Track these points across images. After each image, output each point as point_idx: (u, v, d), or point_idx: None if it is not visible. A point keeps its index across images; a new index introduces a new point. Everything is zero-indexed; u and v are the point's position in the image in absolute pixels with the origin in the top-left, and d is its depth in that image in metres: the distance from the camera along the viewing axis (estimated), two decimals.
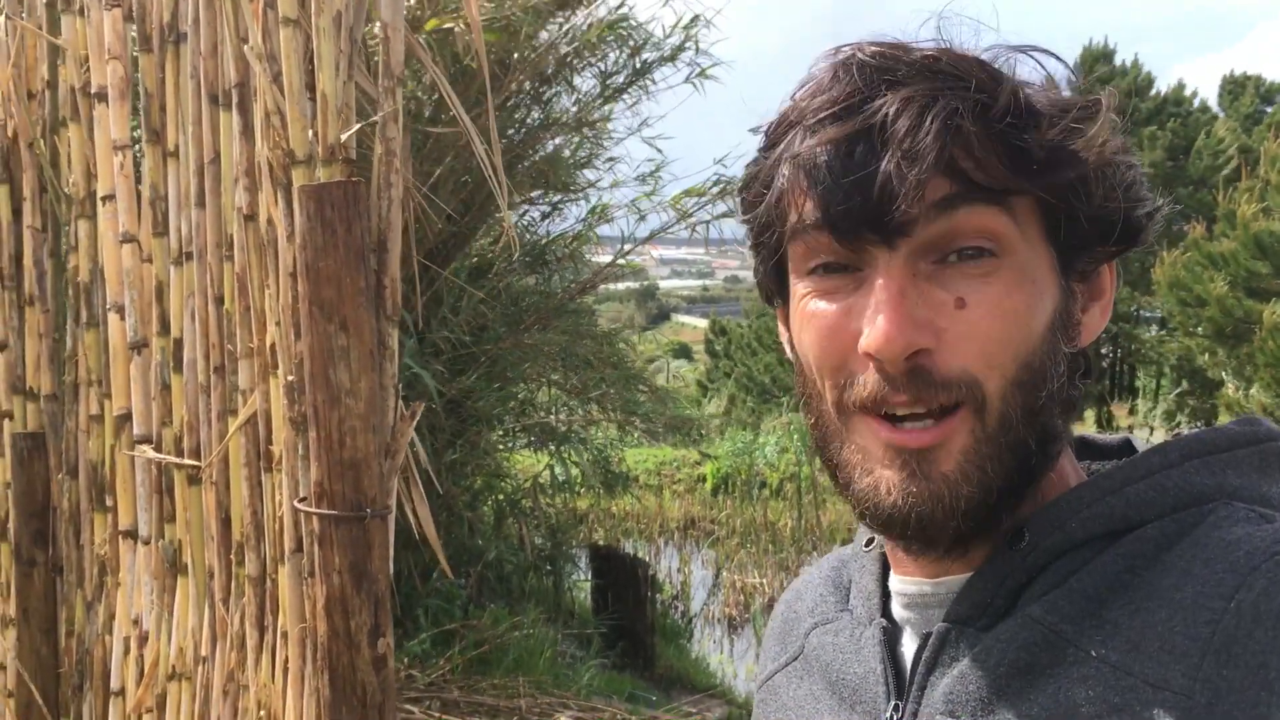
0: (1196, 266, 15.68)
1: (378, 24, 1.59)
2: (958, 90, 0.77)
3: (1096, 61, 27.45)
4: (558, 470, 8.70)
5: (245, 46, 1.73)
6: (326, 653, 1.51)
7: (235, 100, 1.83)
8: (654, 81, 7.19)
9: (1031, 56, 0.83)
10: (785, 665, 1.00)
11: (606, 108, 7.19)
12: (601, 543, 11.42)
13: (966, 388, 0.77)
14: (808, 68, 0.85)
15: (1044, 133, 0.77)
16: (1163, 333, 22.67)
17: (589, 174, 7.81)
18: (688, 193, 7.40)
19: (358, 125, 1.59)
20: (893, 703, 0.85)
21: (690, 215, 7.27)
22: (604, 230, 8.22)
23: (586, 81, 7.11)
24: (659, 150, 7.64)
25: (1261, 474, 0.81)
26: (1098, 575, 0.77)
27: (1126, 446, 0.92)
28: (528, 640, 6.66)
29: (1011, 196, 0.78)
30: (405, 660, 5.99)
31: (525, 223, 8.39)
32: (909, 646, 0.87)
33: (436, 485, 6.79)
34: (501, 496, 8.43)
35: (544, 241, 8.30)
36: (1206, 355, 15.86)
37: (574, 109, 7.18)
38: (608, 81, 7.01)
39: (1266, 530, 0.74)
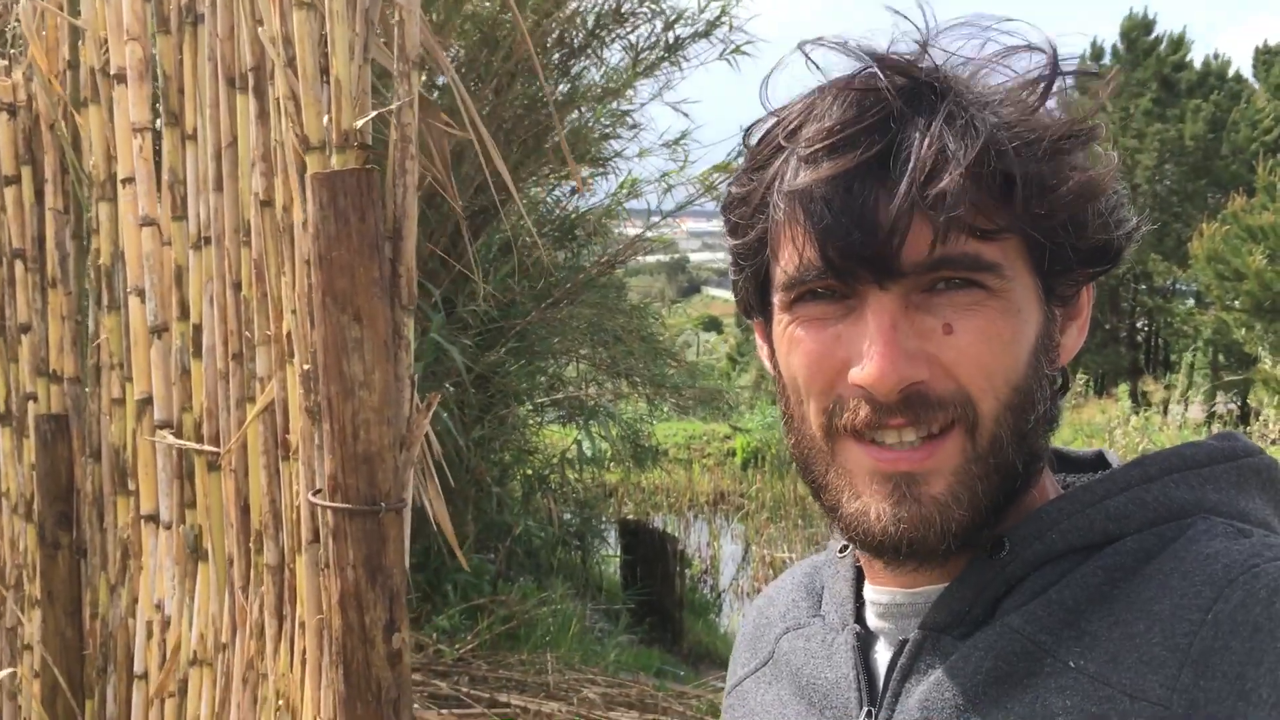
0: (1235, 239, 15.46)
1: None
2: (956, 124, 0.76)
3: (1138, 31, 27.03)
4: (585, 445, 8.69)
5: (260, 29, 1.70)
6: (341, 648, 1.49)
7: (252, 84, 1.80)
8: (686, 59, 7.12)
9: (1009, 67, 0.81)
10: (755, 671, 1.00)
11: (637, 82, 7.13)
12: (631, 517, 11.42)
13: (960, 407, 0.78)
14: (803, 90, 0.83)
15: (1042, 167, 0.77)
16: (1195, 307, 22.41)
17: (615, 144, 7.75)
18: (716, 169, 7.34)
19: (375, 112, 1.56)
20: (865, 709, 0.85)
21: (718, 191, 7.22)
22: (633, 204, 8.17)
23: (615, 54, 7.06)
24: (685, 115, 7.56)
25: (1239, 489, 0.82)
26: (1077, 587, 0.78)
27: (1100, 460, 0.93)
28: (556, 615, 6.68)
29: (1004, 233, 0.77)
30: (434, 635, 6.02)
31: (554, 198, 8.36)
32: (883, 654, 0.87)
33: (468, 459, 6.80)
34: (530, 471, 8.44)
35: (573, 216, 8.26)
36: (1243, 330, 15.66)
37: (602, 82, 7.12)
38: (639, 57, 6.94)
39: (1244, 544, 0.75)
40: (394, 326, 1.52)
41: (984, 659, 0.78)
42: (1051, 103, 0.81)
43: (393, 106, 1.52)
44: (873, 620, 0.89)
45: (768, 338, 0.89)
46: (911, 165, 0.74)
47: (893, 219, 0.74)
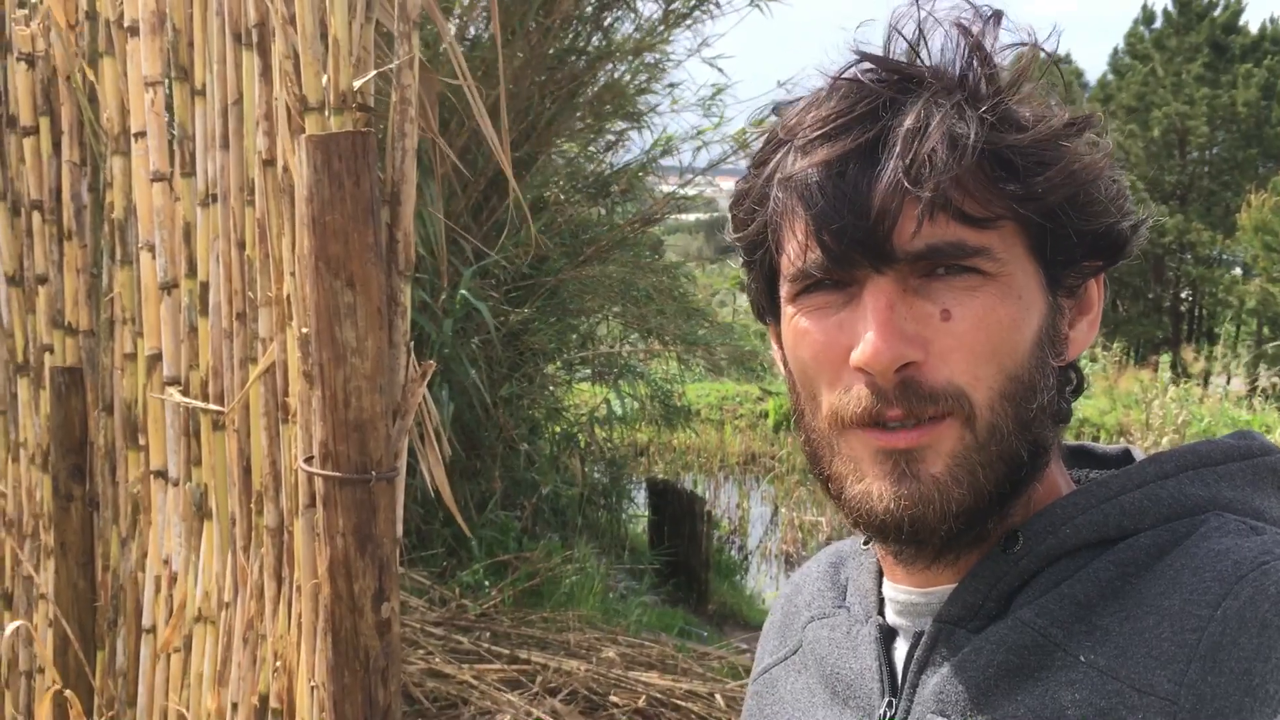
0: None
1: None
2: (945, 109, 0.77)
3: None
4: (614, 404, 8.69)
5: None
6: (330, 616, 1.49)
7: (255, 40, 1.78)
8: (718, 5, 7.03)
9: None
10: (784, 659, 1.01)
11: (669, 33, 7.05)
12: (661, 477, 11.42)
13: (954, 399, 0.78)
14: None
15: (1036, 155, 0.77)
16: (1241, 277, 22.04)
17: (650, 99, 7.69)
18: (754, 124, 7.24)
19: (372, 73, 1.53)
20: (886, 699, 0.86)
21: (753, 148, 7.11)
22: (668, 161, 8.13)
23: (648, 6, 6.99)
24: (720, 70, 7.51)
25: (1254, 487, 0.83)
26: (1090, 581, 0.79)
27: (1126, 457, 0.92)
28: (580, 574, 6.70)
29: (998, 220, 0.78)
30: (458, 590, 6.06)
31: (588, 153, 8.31)
32: (901, 647, 0.89)
33: (495, 416, 6.81)
34: (558, 429, 8.45)
35: (607, 173, 8.21)
36: None
37: (636, 35, 7.05)
38: (671, 7, 6.86)
39: (1255, 541, 0.76)
40: (389, 293, 1.50)
41: (996, 652, 0.79)
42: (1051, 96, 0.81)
43: (391, 66, 1.49)
44: (891, 616, 0.91)
45: (779, 338, 0.90)
46: (899, 149, 0.76)
47: (883, 203, 0.76)
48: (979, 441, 0.79)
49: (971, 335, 0.78)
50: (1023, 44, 0.81)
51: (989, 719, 0.78)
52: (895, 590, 0.90)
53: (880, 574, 0.93)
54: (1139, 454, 0.91)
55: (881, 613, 0.92)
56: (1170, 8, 26.91)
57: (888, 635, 0.90)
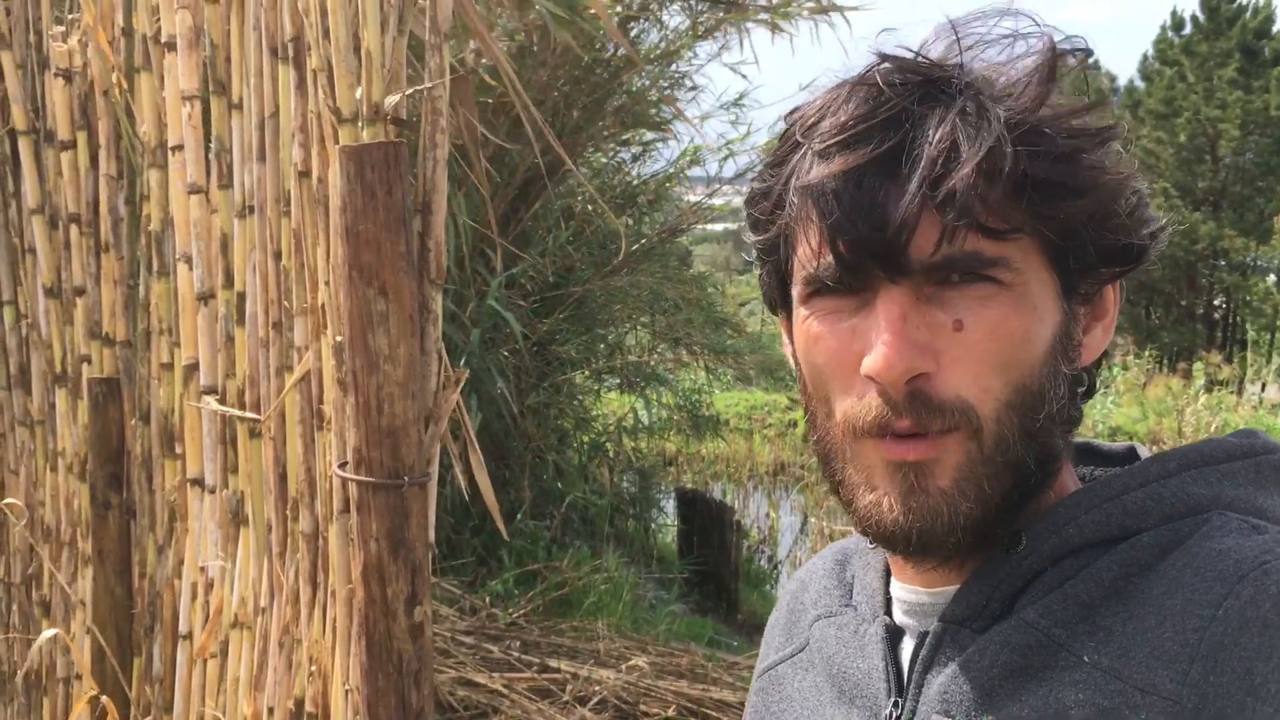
0: None
1: None
2: (969, 121, 0.76)
3: (1221, 1, 26.24)
4: (643, 413, 8.70)
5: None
6: (364, 619, 1.51)
7: (291, 54, 1.81)
8: (747, 29, 7.06)
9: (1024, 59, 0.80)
10: (790, 656, 1.02)
11: (694, 44, 7.10)
12: (690, 486, 11.42)
13: (961, 413, 0.78)
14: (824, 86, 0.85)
15: (1059, 171, 0.77)
16: (1275, 284, 21.80)
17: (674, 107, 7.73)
18: (780, 138, 7.25)
19: (409, 90, 1.55)
20: (892, 699, 0.87)
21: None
22: (694, 172, 8.18)
23: (674, 17, 7.03)
24: (743, 76, 7.56)
25: (1257, 486, 0.83)
26: (1093, 581, 0.79)
27: (1131, 454, 0.93)
28: (609, 583, 6.71)
29: (1015, 233, 0.78)
30: (487, 599, 6.09)
31: (615, 163, 8.35)
32: (908, 647, 0.90)
33: (524, 426, 6.84)
34: (586, 439, 8.47)
35: (635, 183, 8.25)
36: None
37: (661, 45, 7.09)
38: (699, 21, 6.90)
39: (1256, 541, 0.76)
40: (421, 300, 1.53)
41: (1000, 652, 0.80)
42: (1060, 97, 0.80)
43: (425, 86, 1.51)
44: (898, 615, 0.91)
45: (790, 332, 0.91)
46: (923, 163, 0.75)
47: (902, 216, 0.76)
48: (984, 454, 0.79)
49: (983, 346, 0.78)
50: (1053, 49, 0.80)
51: (993, 719, 0.79)
52: (903, 590, 0.90)
53: (888, 573, 0.94)
54: (1144, 452, 0.92)
55: (888, 612, 0.92)
56: (1199, 14, 26.74)
57: (894, 635, 0.90)
